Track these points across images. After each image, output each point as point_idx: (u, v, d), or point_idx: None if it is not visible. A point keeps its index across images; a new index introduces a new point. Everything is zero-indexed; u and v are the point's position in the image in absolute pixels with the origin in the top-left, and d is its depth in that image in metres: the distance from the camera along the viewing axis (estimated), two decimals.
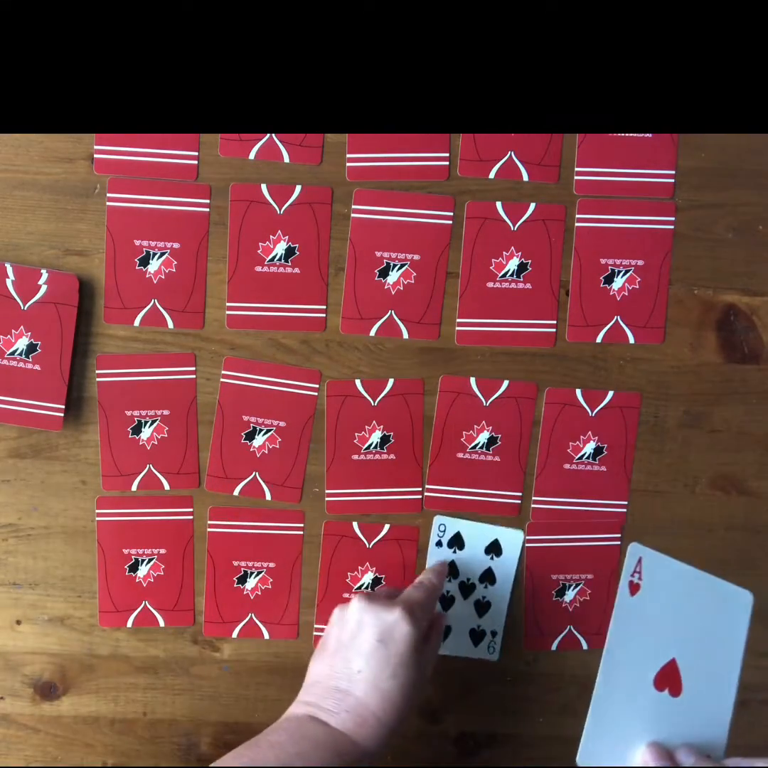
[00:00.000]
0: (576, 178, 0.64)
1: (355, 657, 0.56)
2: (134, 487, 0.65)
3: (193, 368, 0.64)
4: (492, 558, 0.67)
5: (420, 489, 0.66)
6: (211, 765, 0.51)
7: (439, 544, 0.66)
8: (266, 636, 0.67)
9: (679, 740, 0.41)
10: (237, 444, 0.65)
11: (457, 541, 0.66)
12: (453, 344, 0.65)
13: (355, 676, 0.55)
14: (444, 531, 0.66)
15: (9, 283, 0.62)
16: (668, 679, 0.41)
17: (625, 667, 0.41)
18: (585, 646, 0.68)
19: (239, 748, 0.53)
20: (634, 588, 0.42)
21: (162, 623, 0.66)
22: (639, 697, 0.41)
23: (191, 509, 0.65)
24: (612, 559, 0.67)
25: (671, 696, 0.42)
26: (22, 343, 0.63)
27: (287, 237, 0.63)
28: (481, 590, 0.67)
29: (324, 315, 0.64)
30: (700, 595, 0.42)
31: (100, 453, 0.65)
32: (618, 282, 0.65)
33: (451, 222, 0.64)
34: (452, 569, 0.67)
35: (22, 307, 0.62)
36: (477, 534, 0.66)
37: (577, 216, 0.64)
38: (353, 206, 0.63)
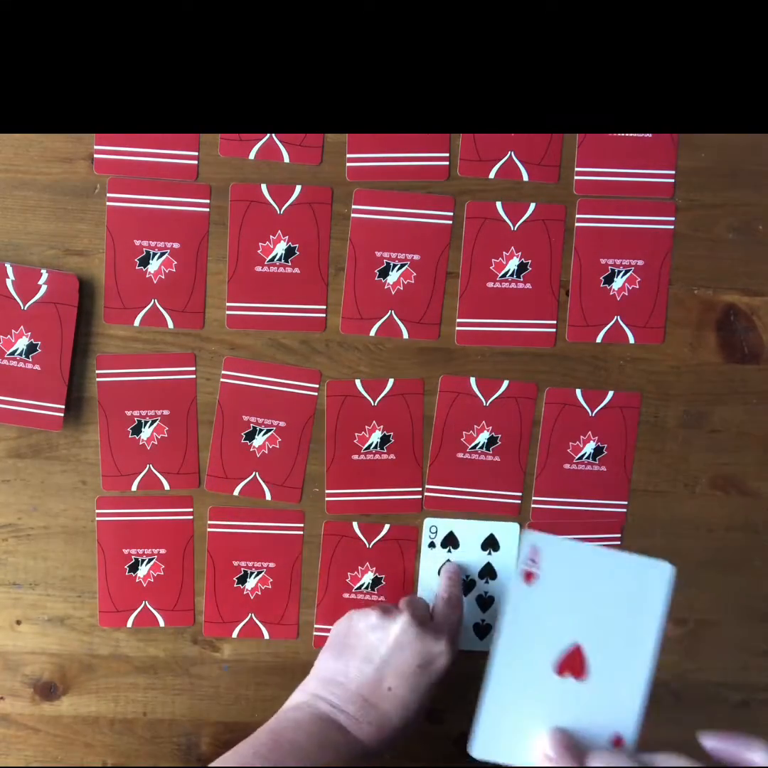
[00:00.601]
0: (576, 178, 0.64)
1: (390, 674, 0.56)
2: (134, 487, 0.65)
3: (193, 368, 0.64)
4: (489, 553, 0.66)
5: (420, 489, 0.66)
6: (231, 765, 0.52)
7: (432, 545, 0.66)
8: (266, 636, 0.67)
9: (586, 726, 0.39)
10: (237, 444, 0.65)
11: (450, 541, 0.66)
12: (453, 344, 0.65)
13: (385, 692, 0.55)
14: (435, 532, 0.66)
15: (9, 283, 0.62)
16: (571, 663, 0.40)
17: (521, 656, 0.40)
18: None
19: (257, 741, 0.53)
20: (529, 576, 0.40)
21: (162, 623, 0.66)
22: (538, 683, 0.40)
23: (191, 509, 0.65)
24: None
25: (575, 680, 0.40)
26: (22, 343, 0.63)
27: (287, 237, 0.63)
28: (483, 586, 0.67)
29: (324, 315, 0.64)
30: (609, 575, 0.40)
31: (100, 453, 0.64)
32: (618, 282, 0.65)
33: (451, 222, 0.64)
34: None
35: (22, 307, 0.62)
36: (471, 531, 0.66)
37: (577, 216, 0.64)
38: (353, 206, 0.63)
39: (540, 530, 0.40)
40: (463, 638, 0.67)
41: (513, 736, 0.39)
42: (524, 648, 0.40)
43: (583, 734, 0.40)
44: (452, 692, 0.68)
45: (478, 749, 0.40)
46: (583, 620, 0.40)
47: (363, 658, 0.57)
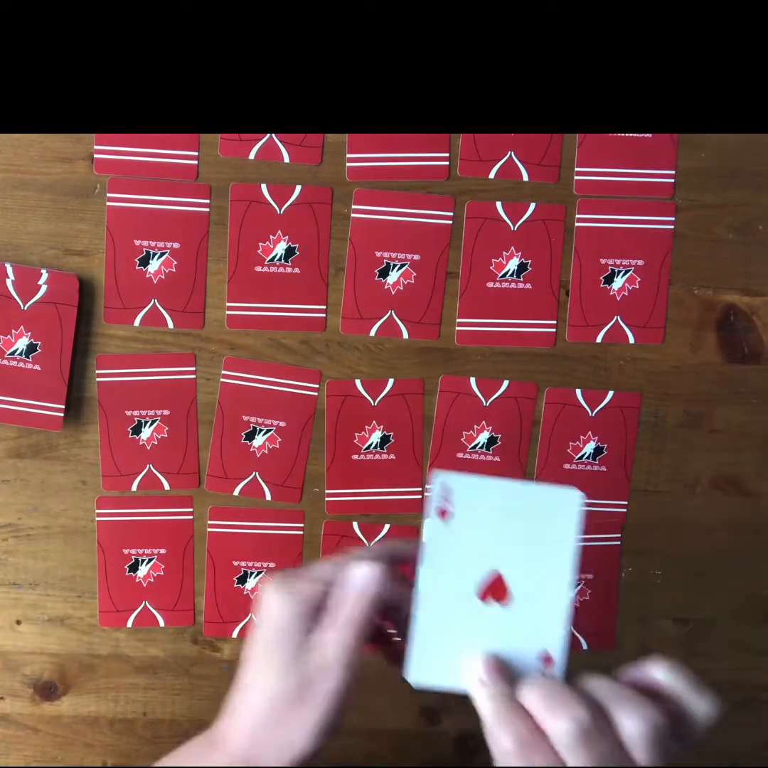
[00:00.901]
0: (576, 178, 0.64)
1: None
2: (134, 487, 0.65)
3: (193, 368, 0.64)
4: None
5: (420, 489, 0.66)
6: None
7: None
8: None
9: (515, 647, 0.41)
10: (237, 444, 0.65)
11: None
12: (453, 344, 0.65)
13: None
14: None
15: (9, 283, 0.62)
16: (493, 590, 0.42)
17: (445, 587, 0.42)
18: (585, 646, 0.68)
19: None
20: (443, 514, 0.42)
21: (162, 623, 0.66)
22: (464, 611, 0.42)
23: (191, 509, 0.65)
24: (612, 559, 0.67)
25: (499, 605, 0.42)
26: (22, 343, 0.63)
27: (287, 237, 0.63)
28: None
29: (324, 315, 0.64)
30: (522, 505, 0.42)
31: (100, 453, 0.64)
32: (618, 282, 0.65)
33: (451, 222, 0.64)
34: None
35: (22, 307, 0.62)
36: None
37: (577, 216, 0.64)
38: (353, 206, 0.63)
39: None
40: None
41: (445, 661, 0.42)
42: (446, 579, 0.42)
43: (513, 654, 0.42)
44: (452, 693, 0.68)
45: (412, 676, 0.42)
46: (500, 548, 0.42)
47: None
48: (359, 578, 0.43)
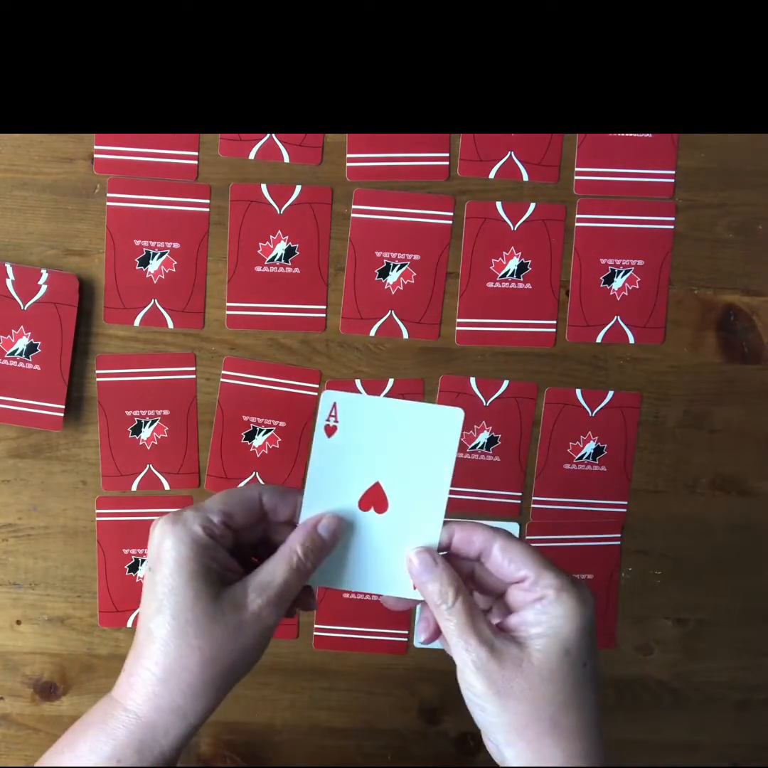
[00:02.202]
0: (576, 178, 0.64)
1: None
2: (134, 487, 0.65)
3: (193, 368, 0.64)
4: None
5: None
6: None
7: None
8: None
9: (391, 552, 0.44)
10: (237, 444, 0.65)
11: None
12: (453, 344, 0.65)
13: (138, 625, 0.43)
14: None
15: (9, 283, 0.62)
16: (373, 499, 0.45)
17: (328, 498, 0.44)
18: None
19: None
20: (330, 430, 0.44)
21: None
22: (347, 517, 0.45)
23: None
24: (612, 559, 0.67)
25: (377, 513, 0.45)
26: (22, 343, 0.63)
27: (287, 237, 0.63)
28: None
29: (324, 315, 0.64)
30: (404, 422, 0.44)
31: (100, 453, 0.64)
32: (618, 282, 0.65)
33: (451, 222, 0.64)
34: None
35: (22, 307, 0.62)
36: None
37: (577, 216, 0.64)
38: (353, 206, 0.63)
39: (340, 390, 0.45)
40: None
41: (333, 565, 0.45)
42: (330, 491, 0.45)
43: (391, 556, 0.45)
44: (452, 692, 0.68)
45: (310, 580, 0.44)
46: (381, 462, 0.45)
47: None
48: (319, 526, 0.44)
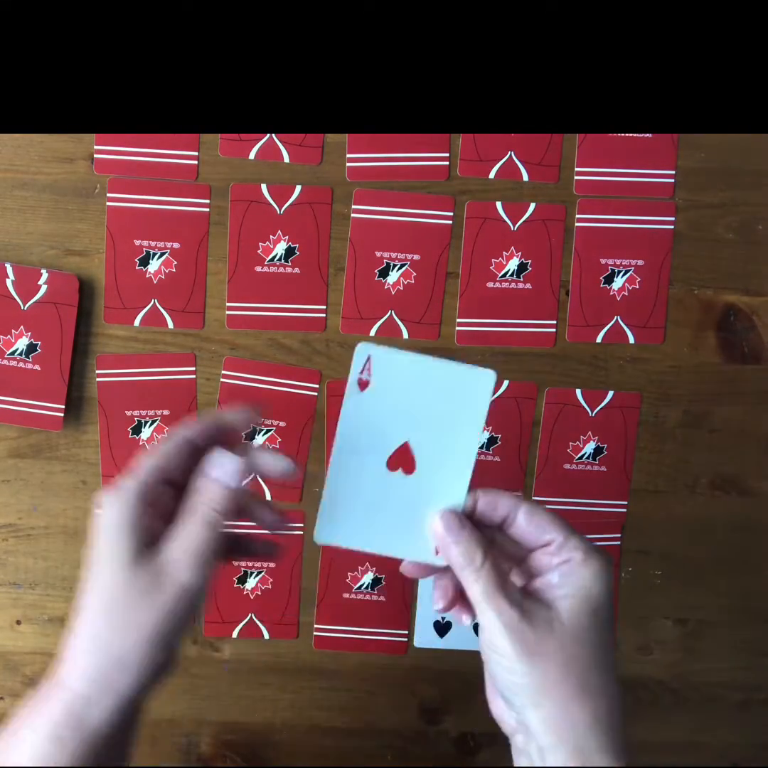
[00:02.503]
0: (576, 178, 0.64)
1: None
2: None
3: (193, 368, 0.64)
4: None
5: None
6: None
7: None
8: (266, 636, 0.67)
9: (415, 514, 0.43)
10: None
11: None
12: (453, 344, 0.65)
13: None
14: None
15: (9, 283, 0.62)
16: (401, 460, 0.43)
17: (356, 455, 0.43)
18: None
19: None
20: (363, 384, 0.43)
21: None
22: (372, 479, 0.43)
23: None
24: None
25: (405, 474, 0.43)
26: (22, 343, 0.63)
27: (287, 237, 0.63)
28: None
29: (324, 315, 0.64)
30: (437, 380, 0.43)
31: (100, 453, 0.64)
32: (618, 282, 0.65)
33: (451, 222, 0.64)
34: None
35: (22, 307, 0.62)
36: None
37: (577, 216, 0.64)
38: (353, 206, 0.63)
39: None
40: (462, 638, 0.67)
41: (350, 523, 0.43)
42: (359, 448, 0.43)
43: (417, 517, 0.44)
44: (452, 692, 0.68)
45: (318, 536, 0.43)
46: (412, 421, 0.43)
47: None
48: (215, 472, 0.42)
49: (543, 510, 0.42)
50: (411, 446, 0.44)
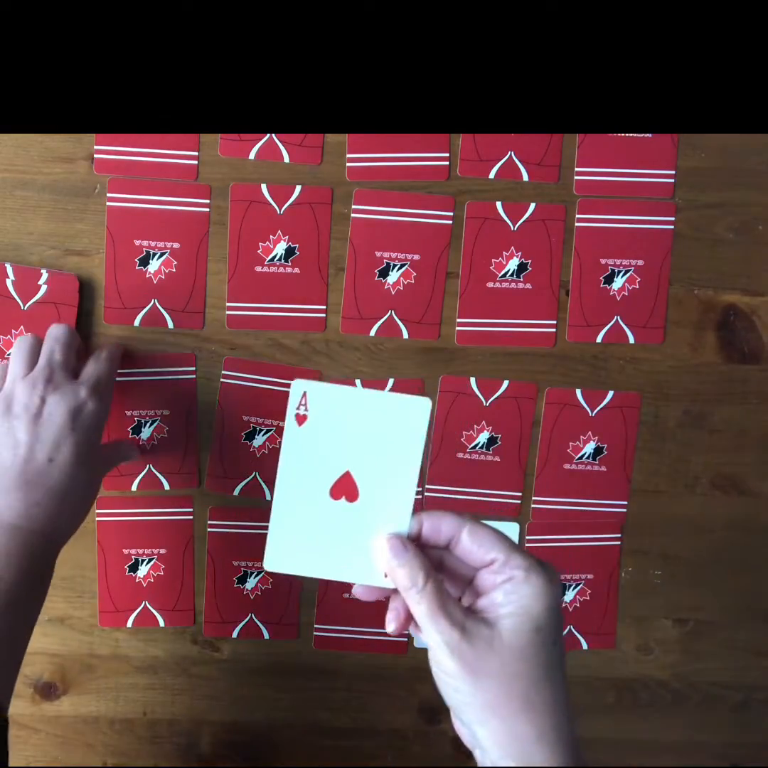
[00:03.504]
0: (576, 178, 0.64)
1: (43, 445, 0.53)
2: (134, 487, 0.65)
3: (193, 368, 0.64)
4: None
5: (420, 489, 0.66)
6: None
7: None
8: (266, 636, 0.67)
9: (361, 540, 0.45)
10: (237, 444, 0.65)
11: None
12: (453, 344, 0.65)
13: (45, 466, 0.53)
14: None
15: (9, 283, 0.62)
16: (343, 488, 0.45)
17: (300, 486, 0.45)
18: (585, 646, 0.68)
19: None
20: (301, 419, 0.45)
21: (162, 623, 0.66)
22: (316, 507, 0.45)
23: (191, 509, 0.65)
24: (612, 559, 0.67)
25: (348, 502, 0.45)
26: None
27: (287, 237, 0.63)
28: None
29: (324, 315, 0.64)
30: (373, 411, 0.45)
31: None
32: (618, 282, 0.65)
33: (451, 222, 0.64)
34: None
35: (22, 307, 0.62)
36: None
37: (577, 216, 0.64)
38: (353, 206, 0.63)
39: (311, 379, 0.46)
40: None
41: (302, 552, 0.45)
42: (302, 479, 0.45)
43: (362, 543, 0.45)
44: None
45: (268, 564, 0.45)
46: (351, 451, 0.45)
47: (9, 442, 0.53)
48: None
49: (486, 528, 0.43)
50: (352, 475, 0.45)
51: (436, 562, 0.43)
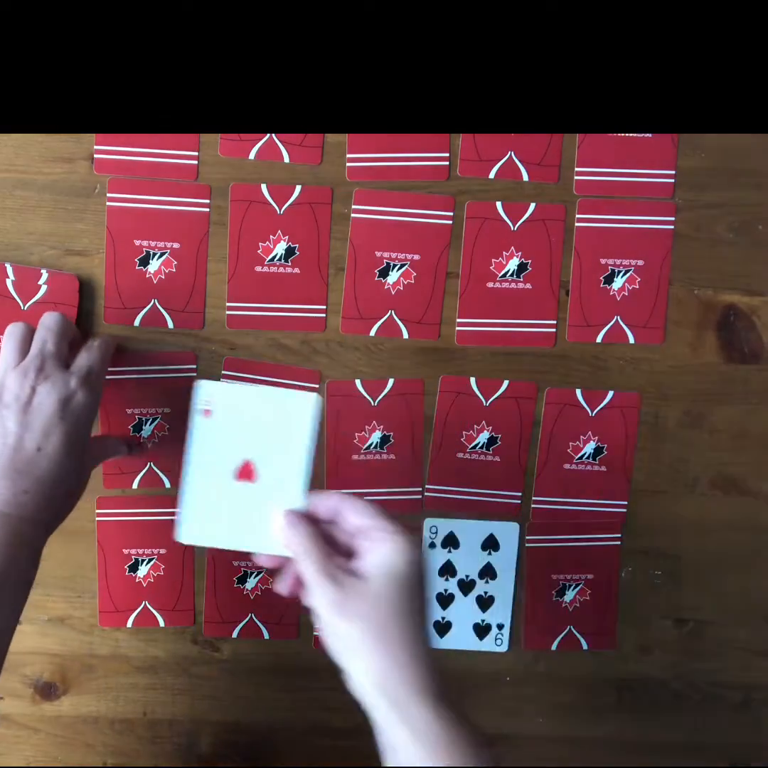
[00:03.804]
0: (576, 178, 0.64)
1: (33, 434, 0.54)
2: (135, 485, 0.65)
3: (194, 366, 0.64)
4: (489, 553, 0.67)
5: (420, 489, 0.66)
6: None
7: (432, 545, 0.66)
8: (266, 636, 0.67)
9: (262, 515, 0.52)
10: None
11: (451, 541, 0.66)
12: (453, 344, 0.65)
13: (34, 454, 0.54)
14: (435, 532, 0.66)
15: (9, 283, 0.62)
16: (245, 472, 0.52)
17: (207, 470, 0.52)
18: (585, 646, 0.68)
19: None
20: (206, 413, 0.52)
21: (162, 623, 0.66)
22: (223, 488, 0.52)
23: None
24: (612, 559, 0.67)
25: (250, 483, 0.52)
26: None
27: (287, 237, 0.63)
28: (482, 586, 0.67)
29: (324, 315, 0.64)
30: (268, 405, 0.52)
31: None
32: (618, 282, 0.65)
33: (451, 222, 0.64)
34: (449, 567, 0.67)
35: (22, 307, 0.62)
36: (471, 531, 0.66)
37: (577, 216, 0.64)
38: (353, 206, 0.63)
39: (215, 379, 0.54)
40: (462, 638, 0.67)
41: (210, 526, 0.53)
42: (209, 464, 0.52)
43: (262, 518, 0.52)
44: (451, 693, 0.68)
45: (182, 537, 0.53)
46: (250, 441, 0.52)
47: None
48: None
49: (363, 501, 0.51)
50: (253, 460, 0.52)
51: (325, 535, 0.51)
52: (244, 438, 0.52)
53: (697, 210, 0.65)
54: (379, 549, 0.49)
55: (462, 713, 0.48)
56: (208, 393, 0.52)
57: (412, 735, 0.45)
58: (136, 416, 0.64)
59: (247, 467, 0.53)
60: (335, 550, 0.51)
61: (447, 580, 0.67)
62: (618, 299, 0.65)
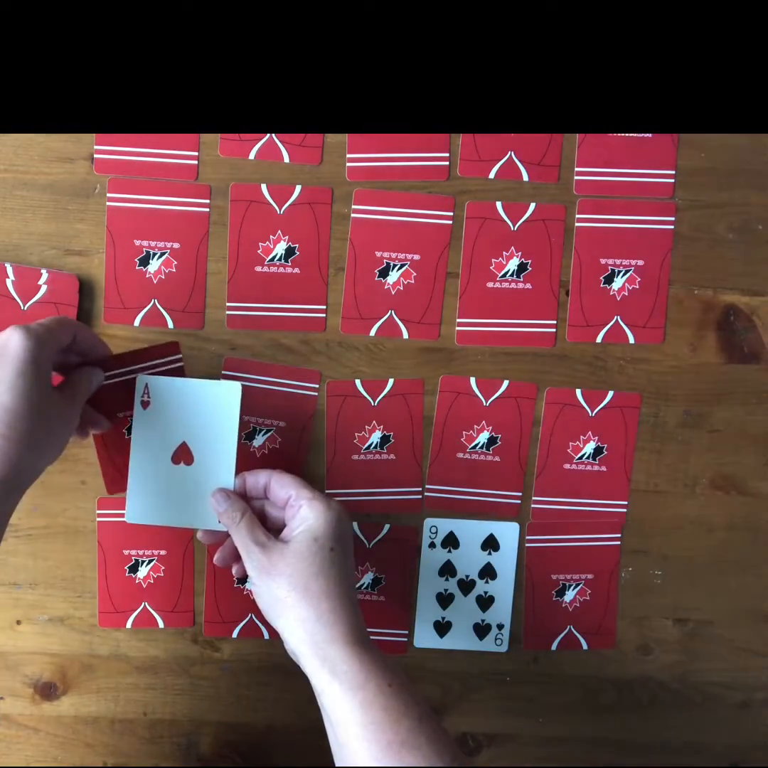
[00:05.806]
0: (576, 178, 0.64)
1: None
2: None
3: (179, 356, 0.64)
4: (489, 553, 0.67)
5: (420, 489, 0.66)
6: None
7: (432, 545, 0.66)
8: (266, 636, 0.67)
9: (199, 494, 0.59)
10: (238, 444, 0.65)
11: (451, 541, 0.66)
12: (453, 344, 0.65)
13: None
14: (435, 532, 0.66)
15: (9, 283, 0.62)
16: (181, 455, 0.59)
17: (149, 455, 0.59)
18: (585, 646, 0.68)
19: None
20: (145, 404, 0.59)
21: (161, 624, 0.66)
22: (163, 470, 0.59)
23: None
24: (612, 559, 0.67)
25: (186, 465, 0.59)
26: None
27: (287, 237, 0.63)
28: (482, 586, 0.67)
29: (324, 315, 0.64)
30: (198, 395, 0.59)
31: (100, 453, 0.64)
32: (618, 282, 0.65)
33: (451, 222, 0.64)
34: (449, 567, 0.67)
35: (22, 307, 0.62)
36: (471, 531, 0.66)
37: (577, 216, 0.64)
38: (353, 206, 0.63)
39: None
40: (462, 638, 0.67)
41: (154, 506, 0.60)
42: (149, 450, 0.59)
43: (199, 496, 0.59)
44: (452, 693, 0.69)
45: (130, 517, 0.60)
46: (185, 427, 0.59)
47: None
48: (90, 371, 0.58)
49: (287, 475, 0.57)
50: (188, 445, 0.59)
51: (258, 511, 0.58)
52: (179, 425, 0.59)
53: (697, 210, 0.65)
54: (299, 514, 0.55)
55: (380, 656, 0.52)
56: (146, 385, 0.59)
57: (331, 674, 0.51)
58: (129, 419, 0.64)
59: (183, 449, 0.59)
60: (270, 524, 0.57)
61: (447, 580, 0.67)
62: (618, 299, 0.65)
